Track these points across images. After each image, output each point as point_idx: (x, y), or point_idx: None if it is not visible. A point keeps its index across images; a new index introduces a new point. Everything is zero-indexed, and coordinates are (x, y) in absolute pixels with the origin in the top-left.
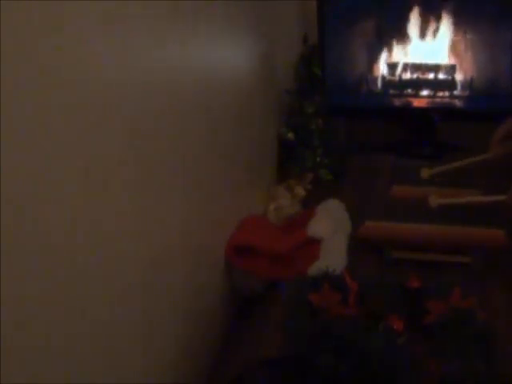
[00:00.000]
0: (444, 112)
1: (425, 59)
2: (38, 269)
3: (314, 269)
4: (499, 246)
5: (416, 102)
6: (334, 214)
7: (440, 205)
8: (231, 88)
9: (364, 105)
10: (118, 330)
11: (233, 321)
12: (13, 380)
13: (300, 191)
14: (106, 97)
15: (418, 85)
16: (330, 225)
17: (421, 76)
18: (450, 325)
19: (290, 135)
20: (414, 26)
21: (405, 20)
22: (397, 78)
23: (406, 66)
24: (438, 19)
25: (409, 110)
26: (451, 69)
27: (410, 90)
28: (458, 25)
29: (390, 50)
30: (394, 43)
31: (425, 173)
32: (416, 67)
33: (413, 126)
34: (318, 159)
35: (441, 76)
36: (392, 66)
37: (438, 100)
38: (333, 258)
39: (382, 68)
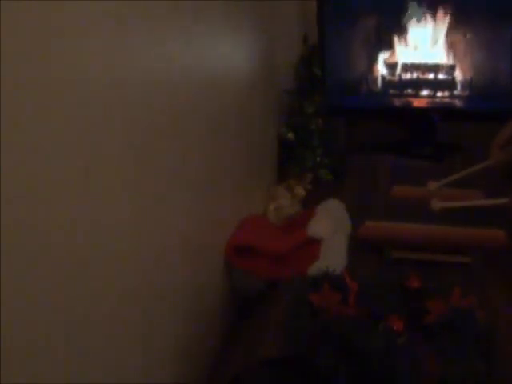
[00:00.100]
0: (444, 112)
1: (425, 59)
2: (37, 269)
3: (314, 269)
4: (499, 246)
5: (416, 102)
6: (334, 214)
7: (442, 208)
8: (231, 88)
9: (364, 105)
10: (117, 330)
11: (233, 321)
12: (13, 380)
13: (300, 191)
14: (106, 97)
15: (418, 85)
16: (330, 225)
17: (421, 76)
18: (450, 325)
19: (290, 135)
20: (413, 25)
21: (404, 20)
22: (397, 77)
23: (405, 66)
24: (438, 19)
25: (409, 109)
26: (451, 69)
27: (410, 90)
28: (458, 25)
29: (390, 50)
30: (394, 43)
31: (432, 186)
32: (416, 67)
33: (413, 126)
34: (318, 159)
35: (441, 76)
36: (392, 66)
37: (437, 100)
38: (333, 257)
39: (381, 68)
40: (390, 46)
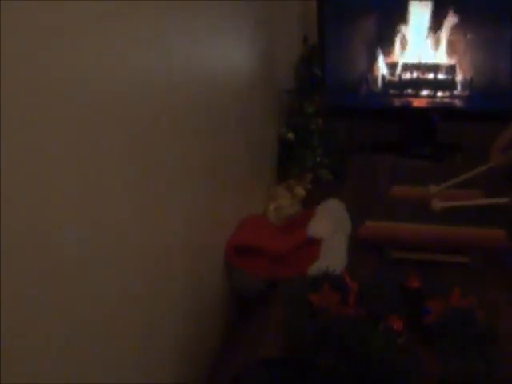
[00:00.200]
0: (444, 112)
1: (425, 59)
2: (37, 269)
3: (314, 269)
4: (499, 246)
5: (416, 102)
6: (334, 214)
7: (443, 208)
8: (231, 88)
9: (364, 105)
10: (117, 330)
11: (233, 321)
12: (13, 380)
13: (300, 191)
14: (106, 96)
15: (418, 85)
16: (330, 225)
17: (421, 76)
18: (450, 325)
19: (290, 135)
20: (413, 25)
21: (404, 20)
22: (397, 78)
23: (405, 66)
24: (438, 19)
25: (409, 109)
26: (451, 69)
27: (410, 90)
28: (459, 25)
29: (389, 50)
30: (394, 43)
31: (432, 189)
32: (416, 67)
33: (413, 126)
34: (318, 159)
35: (441, 76)
36: (392, 66)
37: (437, 100)
38: (333, 258)
39: (381, 68)
40: (390, 46)
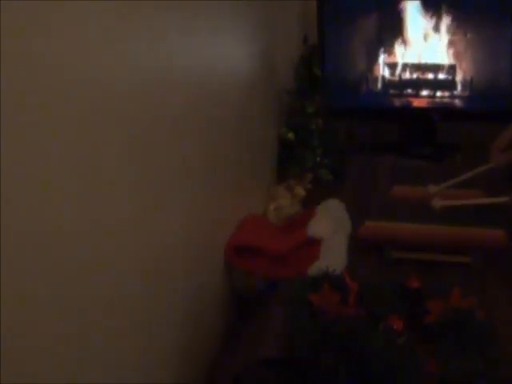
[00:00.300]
0: (444, 112)
1: (425, 59)
2: (37, 269)
3: (314, 269)
4: (499, 245)
5: (416, 102)
6: (333, 214)
7: (443, 207)
8: (231, 88)
9: (364, 105)
10: (117, 330)
11: (233, 321)
12: (13, 380)
13: (300, 191)
14: (106, 96)
15: (418, 85)
16: (330, 225)
17: (421, 76)
18: (450, 325)
19: (290, 135)
20: (413, 25)
21: (405, 20)
22: (397, 77)
23: (405, 66)
24: (438, 19)
25: (409, 109)
26: (451, 69)
27: (410, 90)
28: (458, 25)
29: (390, 50)
30: (394, 43)
31: (432, 189)
32: (416, 67)
33: (413, 126)
34: (318, 159)
35: (441, 76)
36: (392, 66)
37: (437, 100)
38: (333, 258)
39: (381, 68)
40: (390, 46)
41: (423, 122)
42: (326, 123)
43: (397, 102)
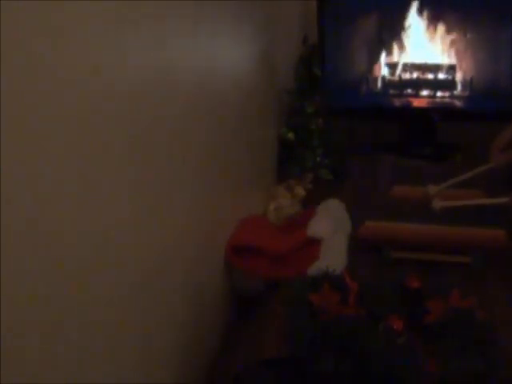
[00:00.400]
0: (444, 112)
1: (425, 59)
2: (37, 269)
3: (314, 269)
4: (499, 245)
5: (416, 102)
6: (333, 214)
7: (443, 208)
8: (231, 88)
9: (364, 105)
10: (117, 330)
11: (233, 321)
12: (13, 380)
13: (300, 191)
14: (106, 96)
15: (418, 85)
16: (330, 225)
17: (421, 76)
18: (450, 325)
19: (290, 135)
20: (413, 25)
21: (405, 20)
22: (397, 77)
23: (405, 66)
24: (438, 19)
25: (409, 109)
26: (451, 69)
27: (409, 90)
28: (458, 25)
29: (390, 50)
30: (394, 43)
31: (432, 190)
32: (416, 67)
33: (413, 126)
34: (318, 159)
35: (441, 76)
36: (392, 66)
37: (438, 100)
38: (333, 258)
39: (382, 68)
40: (390, 46)
41: (423, 122)
42: (326, 123)
43: (397, 102)
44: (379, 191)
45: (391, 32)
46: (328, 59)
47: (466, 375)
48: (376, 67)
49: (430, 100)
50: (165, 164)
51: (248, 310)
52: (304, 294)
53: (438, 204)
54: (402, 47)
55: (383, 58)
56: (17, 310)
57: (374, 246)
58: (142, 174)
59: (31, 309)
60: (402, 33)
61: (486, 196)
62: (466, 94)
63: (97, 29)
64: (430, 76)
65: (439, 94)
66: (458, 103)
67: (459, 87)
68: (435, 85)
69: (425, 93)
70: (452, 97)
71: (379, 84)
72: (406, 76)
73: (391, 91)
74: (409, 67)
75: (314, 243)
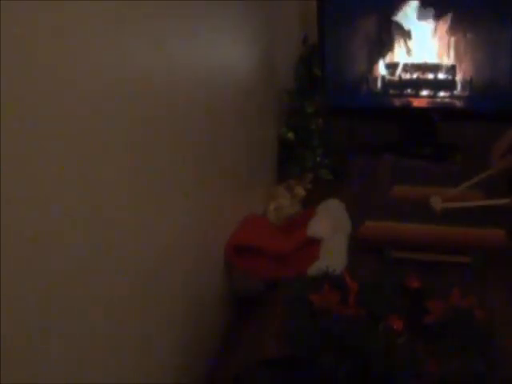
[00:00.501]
0: (444, 112)
1: (425, 59)
2: (37, 269)
3: (314, 269)
4: (499, 245)
5: (416, 102)
6: (333, 214)
7: (443, 209)
8: (231, 88)
9: (364, 105)
10: (117, 330)
11: (233, 321)
12: (13, 380)
13: (300, 191)
14: (106, 96)
15: (418, 85)
16: (330, 225)
17: (421, 76)
18: (450, 325)
19: (290, 135)
20: (413, 25)
21: (405, 20)
22: (397, 77)
23: (405, 66)
24: (438, 19)
25: (409, 109)
26: (451, 69)
27: (409, 90)
28: (458, 25)
29: (390, 50)
30: (394, 43)
31: (435, 203)
32: (416, 67)
33: (413, 126)
34: (318, 159)
35: (441, 76)
36: (392, 66)
37: (438, 100)
38: (333, 258)
39: (381, 68)
40: (390, 46)
41: (423, 122)
42: (326, 123)
43: (397, 102)
44: (379, 191)
45: (391, 32)
46: (328, 59)
47: (466, 375)
48: (376, 67)
49: (430, 100)
50: (165, 164)
51: (248, 309)
52: (304, 293)
53: (438, 205)
54: (402, 47)
55: (383, 58)
56: (17, 310)
57: (374, 246)
58: (142, 174)
59: (31, 309)
60: (402, 33)
61: (485, 197)
62: (466, 93)
63: (97, 29)
64: (430, 76)
65: (439, 94)
66: (458, 103)
67: (459, 87)
68: (435, 85)
69: (425, 93)
70: (452, 97)
71: (379, 84)
72: (406, 76)
73: (391, 91)
74: (409, 67)
75: (314, 243)
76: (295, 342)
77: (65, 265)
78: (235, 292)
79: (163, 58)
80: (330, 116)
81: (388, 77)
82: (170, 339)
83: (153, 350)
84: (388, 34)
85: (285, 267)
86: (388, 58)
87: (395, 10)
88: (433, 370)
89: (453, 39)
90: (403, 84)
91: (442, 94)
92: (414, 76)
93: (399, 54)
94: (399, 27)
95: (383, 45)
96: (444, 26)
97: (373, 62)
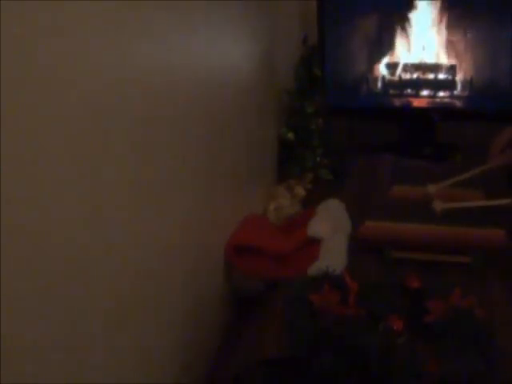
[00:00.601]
0: (444, 112)
1: (425, 59)
2: (37, 269)
3: (314, 269)
4: (499, 245)
5: (416, 102)
6: (333, 214)
7: (444, 210)
8: (231, 88)
9: (364, 105)
10: (117, 330)
11: (233, 321)
12: (13, 380)
13: (300, 191)
14: (106, 96)
15: (418, 85)
16: (330, 225)
17: (421, 76)
18: (450, 325)
19: (290, 135)
20: (413, 25)
21: (405, 20)
22: (397, 77)
23: (405, 66)
24: (438, 19)
25: (409, 109)
26: (451, 69)
27: (409, 90)
28: (459, 24)
29: (390, 50)
30: (395, 43)
31: (431, 189)
32: (416, 67)
33: (413, 126)
34: (318, 159)
35: (441, 76)
36: (392, 66)
37: (437, 100)
38: (333, 258)
39: (381, 68)
40: (390, 46)
41: (423, 122)
42: (326, 123)
43: (397, 102)
44: (379, 191)
45: (391, 32)
46: (328, 59)
47: (466, 375)
48: (376, 67)
49: (430, 100)
50: (165, 164)
51: (248, 309)
52: (304, 293)
53: (438, 206)
54: (402, 47)
55: (383, 57)
56: (17, 310)
57: (374, 246)
58: (142, 175)
59: (31, 309)
60: (402, 33)
61: (485, 196)
62: (466, 94)
63: (97, 29)
64: (430, 76)
65: (439, 94)
66: (458, 103)
67: (459, 87)
68: (435, 85)
69: (425, 93)
70: (452, 97)
71: (379, 84)
72: (406, 76)
73: (391, 91)
74: (409, 67)
75: (314, 243)
76: (295, 342)
77: (65, 265)
78: (235, 292)
79: (163, 57)
80: (330, 116)
81: (388, 77)
82: (170, 339)
83: (153, 350)
84: (388, 33)
85: (285, 267)
86: (388, 58)
87: (395, 9)
88: (433, 369)
89: (453, 39)
90: (403, 84)
91: (441, 93)
92: (414, 76)
93: (399, 53)
94: (399, 27)
95: (383, 45)
96: (444, 25)
97: (373, 62)
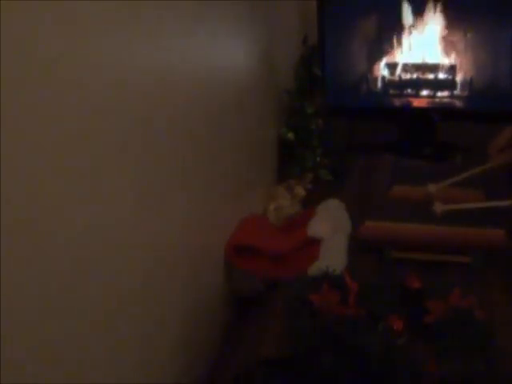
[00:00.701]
0: (444, 112)
1: (425, 59)
2: (37, 269)
3: (314, 269)
4: (499, 245)
5: (416, 102)
6: (333, 214)
7: (444, 211)
8: (231, 88)
9: (364, 105)
10: (117, 330)
11: (233, 321)
12: (13, 380)
13: (300, 191)
14: (106, 96)
15: (418, 85)
16: (330, 225)
17: (421, 76)
18: (450, 325)
19: (290, 135)
20: (413, 25)
21: (404, 20)
22: (397, 77)
23: (405, 66)
24: (438, 19)
25: (409, 109)
26: (451, 69)
27: (409, 90)
28: (458, 24)
29: (390, 50)
30: (395, 43)
31: (431, 188)
32: (416, 67)
33: (413, 126)
34: (318, 159)
35: (441, 76)
36: (392, 66)
37: (437, 100)
38: (333, 257)
39: (381, 68)
40: (390, 46)
41: (423, 122)
42: (326, 123)
43: (397, 102)
44: (379, 191)
45: (391, 32)
46: (328, 59)
47: (466, 375)
48: (376, 67)
49: (430, 100)
50: (165, 164)
51: (248, 309)
52: (304, 293)
53: (439, 208)
54: (402, 47)
55: (383, 58)
56: (17, 310)
57: (374, 246)
58: (142, 175)
59: (31, 309)
60: (402, 33)
61: (485, 197)
62: (466, 94)
63: (97, 29)
64: (430, 76)
65: (439, 94)
66: (457, 103)
67: (459, 87)
68: (435, 85)
69: (425, 93)
70: (452, 97)
71: (379, 84)
72: (406, 76)
73: (391, 91)
74: (409, 67)
75: (313, 243)
76: (295, 342)
77: (65, 265)
78: (235, 292)
79: (163, 57)
80: (330, 116)
81: (388, 77)
82: (170, 339)
83: (153, 350)
84: (388, 33)
85: (285, 267)
86: (388, 58)
87: (395, 10)
88: (433, 369)
89: (453, 39)
90: (403, 84)
91: (441, 94)
92: (414, 76)
93: (399, 53)
94: (399, 27)
95: (383, 45)
96: (444, 25)
97: (373, 62)
